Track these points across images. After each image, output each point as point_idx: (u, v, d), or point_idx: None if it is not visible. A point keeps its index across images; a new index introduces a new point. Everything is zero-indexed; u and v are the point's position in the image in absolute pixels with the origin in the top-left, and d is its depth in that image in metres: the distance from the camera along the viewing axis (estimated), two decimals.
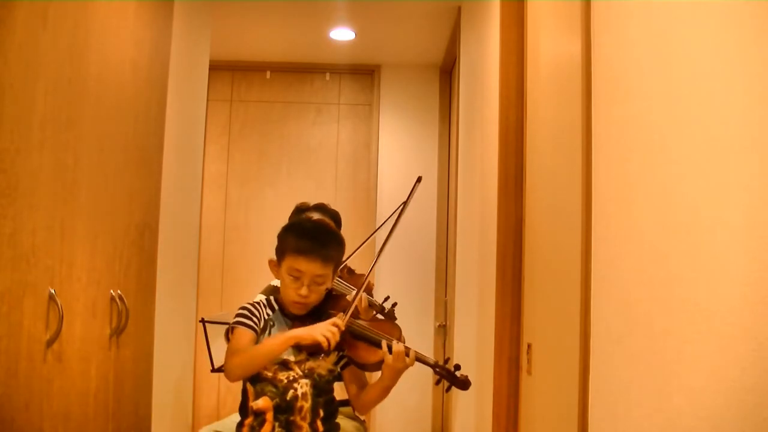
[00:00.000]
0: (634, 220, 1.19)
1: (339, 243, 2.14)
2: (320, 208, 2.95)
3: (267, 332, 2.04)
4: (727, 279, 0.87)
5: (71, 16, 1.67)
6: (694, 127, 0.98)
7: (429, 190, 4.44)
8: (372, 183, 4.49)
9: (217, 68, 4.19)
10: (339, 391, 2.81)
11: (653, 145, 1.11)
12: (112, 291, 1.96)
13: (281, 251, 2.09)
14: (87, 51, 1.76)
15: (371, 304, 2.46)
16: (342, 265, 2.76)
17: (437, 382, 2.10)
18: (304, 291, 2.03)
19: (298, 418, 2.01)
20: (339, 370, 2.12)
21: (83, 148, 1.74)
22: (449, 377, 2.08)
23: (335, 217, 2.96)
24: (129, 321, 2.04)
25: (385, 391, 2.09)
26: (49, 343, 1.54)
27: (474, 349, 2.83)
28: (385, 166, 4.50)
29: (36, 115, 1.48)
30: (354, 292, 2.13)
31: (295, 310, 2.08)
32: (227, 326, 2.05)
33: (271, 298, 2.12)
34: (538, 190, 2.08)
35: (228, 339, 2.05)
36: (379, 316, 2.50)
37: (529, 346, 2.09)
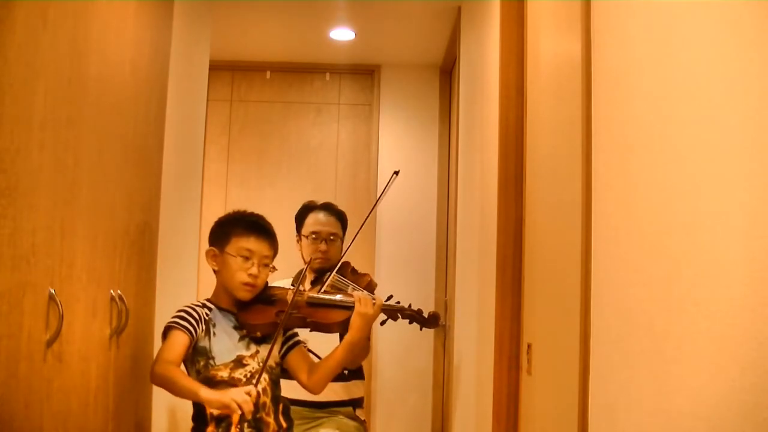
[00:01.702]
0: (634, 220, 1.19)
1: (275, 233, 2.19)
2: (327, 207, 2.95)
3: (210, 334, 2.03)
4: (727, 279, 0.87)
5: (71, 16, 1.67)
6: (695, 127, 0.98)
7: (429, 190, 4.44)
8: (372, 183, 4.48)
9: (217, 68, 4.18)
10: (339, 391, 2.81)
11: (653, 145, 1.11)
12: (112, 291, 1.96)
13: (224, 236, 2.11)
14: (87, 51, 1.76)
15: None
16: (344, 265, 2.78)
17: (410, 323, 2.27)
18: (254, 270, 2.06)
19: (263, 415, 2.00)
20: (280, 359, 2.13)
21: (83, 148, 1.74)
22: (418, 318, 2.18)
23: (342, 217, 2.96)
24: (129, 321, 2.04)
25: (351, 348, 2.08)
26: (49, 343, 1.54)
27: (474, 349, 2.83)
28: (385, 166, 4.49)
29: (36, 115, 1.48)
30: (292, 289, 2.18)
31: (243, 294, 2.08)
32: (165, 326, 2.05)
33: (204, 300, 2.13)
34: (538, 190, 2.08)
35: (164, 336, 2.03)
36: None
37: (529, 346, 2.09)
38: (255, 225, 2.12)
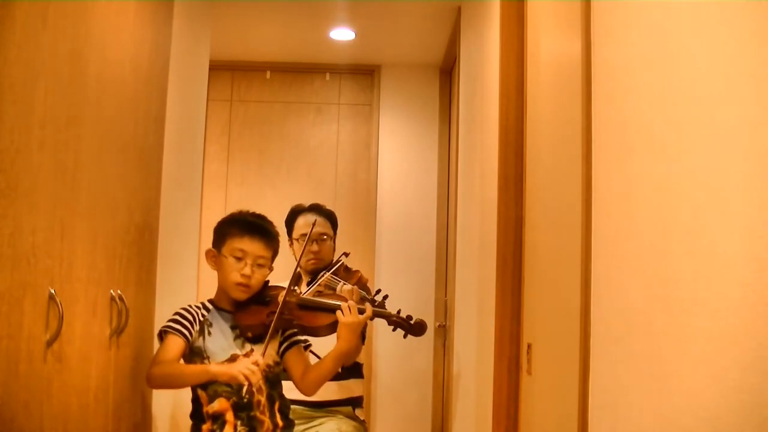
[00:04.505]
0: (634, 220, 1.19)
1: (275, 233, 2.21)
2: (316, 208, 2.95)
3: (205, 333, 2.05)
4: (727, 279, 0.87)
5: (71, 16, 1.67)
6: (694, 127, 0.98)
7: (429, 190, 4.45)
8: (372, 183, 4.49)
9: (217, 68, 4.18)
10: (337, 390, 2.81)
11: (653, 145, 1.11)
12: (112, 291, 1.96)
13: (222, 237, 2.15)
14: (87, 51, 1.76)
15: (363, 299, 2.48)
16: (338, 264, 2.78)
17: (393, 330, 2.22)
18: (247, 270, 2.07)
19: (258, 413, 2.02)
20: (280, 358, 2.14)
21: (83, 148, 1.74)
22: (404, 325, 2.16)
23: (331, 216, 2.96)
24: (129, 321, 2.04)
25: (340, 357, 2.08)
26: (49, 343, 1.54)
27: (474, 349, 2.83)
28: (385, 166, 4.50)
29: (36, 115, 1.48)
30: (284, 290, 2.17)
31: (237, 294, 2.10)
32: (160, 329, 2.07)
33: (205, 300, 2.15)
34: (538, 190, 2.08)
35: (161, 340, 2.07)
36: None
37: (529, 346, 2.09)
38: (250, 225, 2.12)
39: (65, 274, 1.64)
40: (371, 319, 2.18)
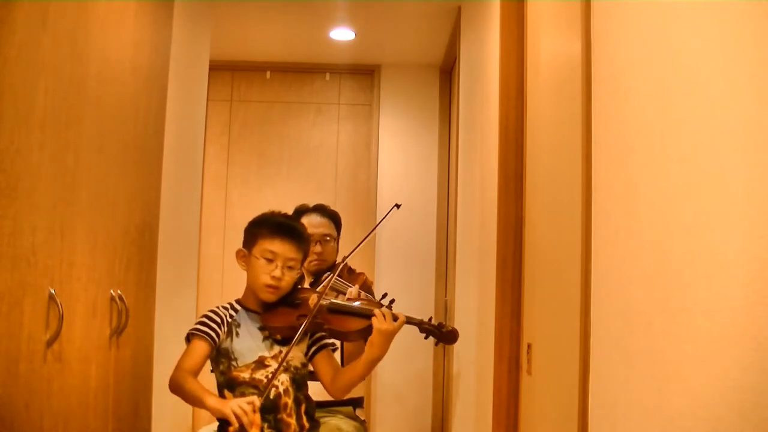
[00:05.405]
0: (634, 220, 1.19)
1: (306, 235, 2.19)
2: (320, 209, 2.95)
3: (233, 334, 2.04)
4: (727, 279, 0.87)
5: (71, 16, 1.67)
6: (694, 127, 0.98)
7: (429, 190, 4.45)
8: (372, 183, 4.49)
9: (217, 68, 4.19)
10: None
11: (653, 145, 1.11)
12: (112, 291, 1.96)
13: (253, 238, 2.12)
14: (87, 51, 1.76)
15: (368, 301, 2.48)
16: (342, 265, 2.77)
17: (426, 337, 2.17)
18: (278, 272, 2.05)
19: (284, 416, 2.01)
20: (308, 360, 2.12)
21: (83, 148, 1.74)
22: (437, 333, 2.14)
23: (335, 217, 2.96)
24: (129, 321, 2.04)
25: (373, 363, 2.05)
26: (49, 343, 1.54)
27: (474, 349, 2.83)
28: (385, 166, 4.50)
29: (36, 115, 1.48)
30: (317, 293, 2.14)
31: (266, 296, 2.08)
32: (188, 332, 2.06)
33: (233, 301, 2.13)
34: (538, 190, 2.08)
35: (188, 343, 2.05)
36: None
37: (529, 346, 2.09)
38: (281, 227, 2.10)
39: (65, 274, 1.64)
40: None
